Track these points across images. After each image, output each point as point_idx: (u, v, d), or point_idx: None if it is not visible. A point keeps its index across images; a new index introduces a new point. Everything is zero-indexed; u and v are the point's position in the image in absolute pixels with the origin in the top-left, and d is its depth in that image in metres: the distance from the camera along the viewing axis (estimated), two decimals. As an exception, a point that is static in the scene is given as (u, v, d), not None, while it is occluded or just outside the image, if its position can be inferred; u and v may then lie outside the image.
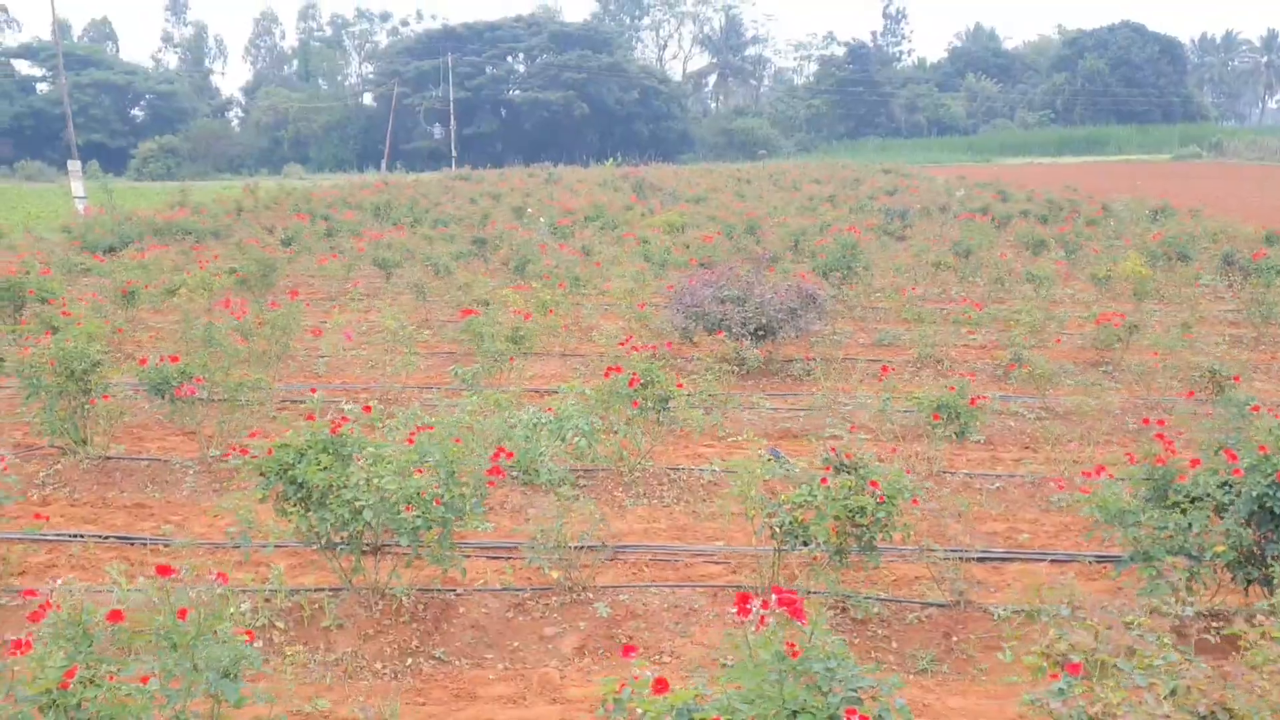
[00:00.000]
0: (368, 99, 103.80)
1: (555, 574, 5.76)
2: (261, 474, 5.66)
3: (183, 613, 3.80)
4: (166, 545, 6.92)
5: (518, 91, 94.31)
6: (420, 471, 5.29)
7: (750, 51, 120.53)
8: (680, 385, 7.71)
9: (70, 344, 7.92)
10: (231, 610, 5.50)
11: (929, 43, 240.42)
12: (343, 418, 8.85)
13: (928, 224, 27.24)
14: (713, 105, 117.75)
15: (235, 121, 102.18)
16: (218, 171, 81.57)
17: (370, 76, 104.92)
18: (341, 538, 5.54)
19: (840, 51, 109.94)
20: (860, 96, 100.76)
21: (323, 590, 5.92)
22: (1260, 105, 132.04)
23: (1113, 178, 53.58)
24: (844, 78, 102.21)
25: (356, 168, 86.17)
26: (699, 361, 10.61)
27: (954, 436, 7.85)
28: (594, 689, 5.17)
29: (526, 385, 10.43)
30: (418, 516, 5.18)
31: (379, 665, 5.35)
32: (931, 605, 5.79)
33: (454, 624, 5.62)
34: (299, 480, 5.53)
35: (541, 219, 22.94)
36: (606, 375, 7.61)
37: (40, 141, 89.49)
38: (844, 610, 5.69)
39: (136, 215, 26.00)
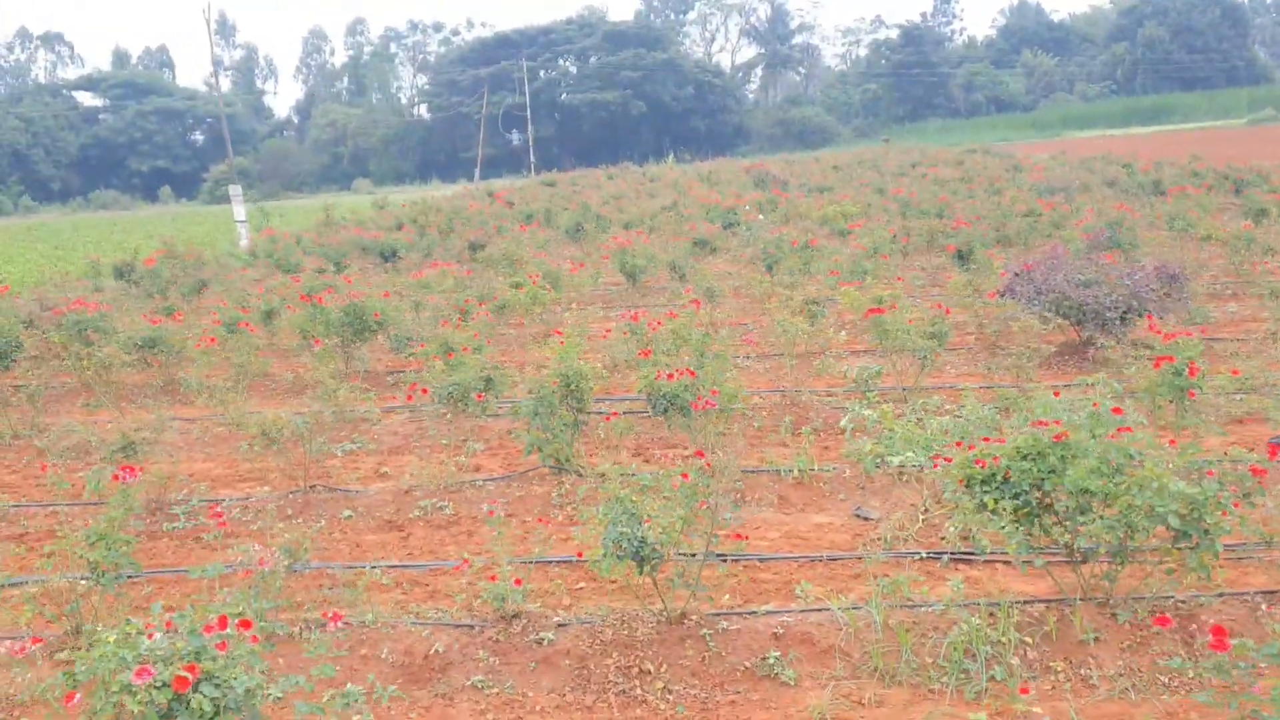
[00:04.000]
0: (422, 110, 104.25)
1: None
2: (984, 482, 5.43)
3: None
4: (762, 560, 6.73)
5: (574, 94, 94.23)
6: (1212, 474, 5.05)
7: (798, 40, 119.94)
8: (1236, 373, 7.42)
9: (580, 363, 7.76)
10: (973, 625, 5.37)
11: (973, 21, 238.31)
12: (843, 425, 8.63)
13: (1090, 199, 26.69)
14: (752, 96, 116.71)
15: (291, 140, 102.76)
16: (286, 190, 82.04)
17: (426, 88, 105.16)
18: (1106, 545, 5.28)
19: (893, 34, 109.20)
20: (917, 79, 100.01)
21: (1034, 602, 5.69)
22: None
23: (1201, 144, 52.50)
24: (899, 60, 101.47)
25: (419, 179, 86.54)
26: (1104, 349, 10.37)
27: None
28: None
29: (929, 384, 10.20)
30: (1220, 522, 4.95)
31: (1164, 679, 5.11)
32: None
33: (1202, 634, 5.37)
34: (1034, 487, 5.31)
35: (760, 216, 22.72)
36: (1156, 365, 7.34)
37: (106, 171, 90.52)
38: None
39: (304, 237, 26.03)
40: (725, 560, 6.31)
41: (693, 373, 7.75)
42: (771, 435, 9.07)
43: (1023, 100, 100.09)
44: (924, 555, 6.61)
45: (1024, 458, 5.39)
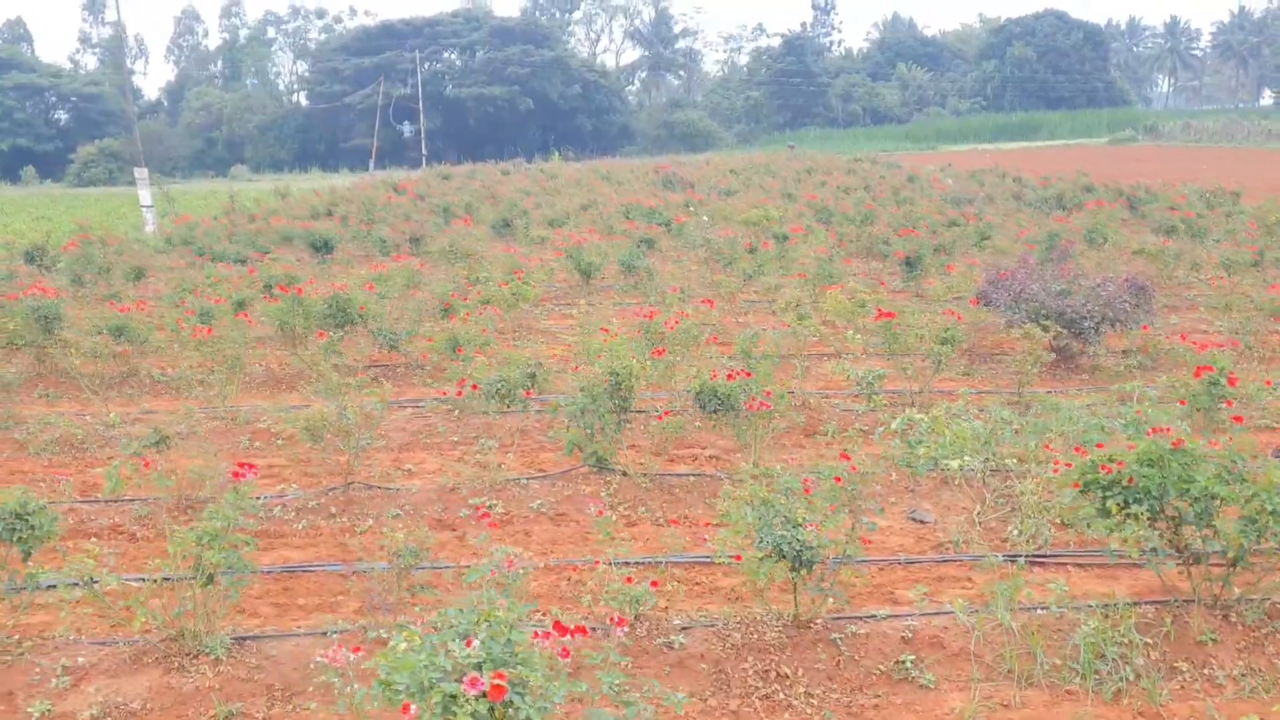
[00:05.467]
0: (301, 98, 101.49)
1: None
2: (1107, 488, 5.56)
3: None
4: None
5: (460, 87, 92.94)
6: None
7: (681, 44, 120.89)
8: (1269, 383, 7.77)
9: (631, 360, 7.67)
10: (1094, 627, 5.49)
11: (848, 33, 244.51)
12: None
13: (996, 211, 27.53)
14: (633, 98, 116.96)
15: (163, 122, 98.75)
16: (159, 174, 78.68)
17: (306, 75, 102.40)
18: (1236, 548, 5.45)
19: (774, 43, 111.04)
20: (798, 87, 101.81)
21: (1140, 604, 5.84)
22: (1164, 88, 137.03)
23: (1069, 161, 54.90)
24: (781, 69, 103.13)
25: (297, 168, 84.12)
26: (1095, 357, 10.74)
27: None
28: None
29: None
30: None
31: (1282, 678, 5.32)
32: None
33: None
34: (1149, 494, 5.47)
35: (704, 217, 22.76)
36: (1198, 374, 7.64)
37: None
38: None
39: (210, 223, 25.12)
40: (861, 564, 6.29)
41: (749, 373, 7.73)
42: (818, 437, 9.12)
43: (897, 112, 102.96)
44: (1002, 558, 6.70)
45: (1147, 464, 5.54)
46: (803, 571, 5.14)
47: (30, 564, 5.37)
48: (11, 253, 18.34)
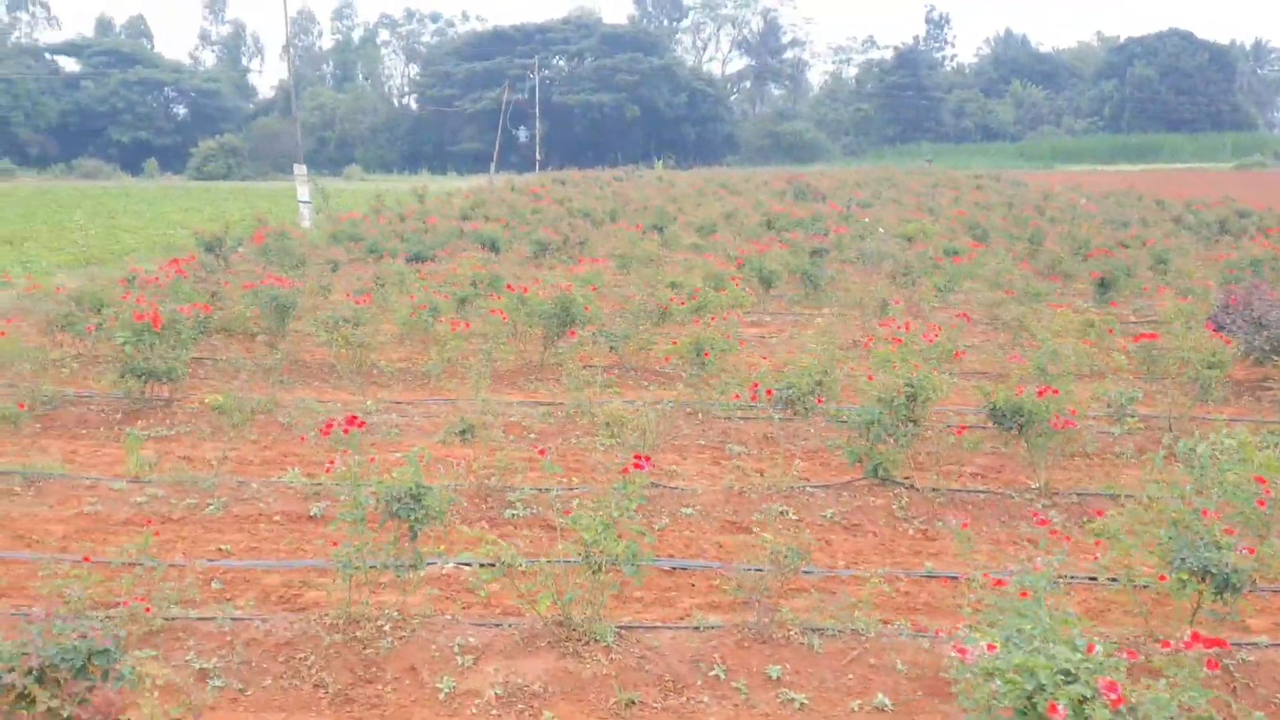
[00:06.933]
0: (411, 100, 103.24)
1: None
2: None
3: None
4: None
5: (567, 94, 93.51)
6: None
7: (789, 55, 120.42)
8: None
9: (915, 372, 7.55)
10: None
11: (959, 48, 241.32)
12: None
13: (1153, 234, 26.78)
14: (736, 107, 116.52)
15: (278, 120, 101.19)
16: (275, 171, 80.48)
17: (417, 78, 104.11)
18: None
19: (885, 55, 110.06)
20: (910, 101, 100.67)
21: None
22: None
23: (1196, 185, 53.26)
24: (893, 82, 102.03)
25: (406, 169, 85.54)
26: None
27: None
28: None
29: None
30: None
31: None
32: None
33: None
34: None
35: (880, 230, 22.60)
36: None
37: (84, 138, 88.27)
38: None
39: (376, 221, 25.54)
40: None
41: (1056, 390, 7.54)
42: (1078, 459, 8.90)
43: (1010, 130, 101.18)
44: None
45: None
46: (1227, 595, 4.96)
47: (416, 544, 5.42)
48: (197, 242, 18.80)
